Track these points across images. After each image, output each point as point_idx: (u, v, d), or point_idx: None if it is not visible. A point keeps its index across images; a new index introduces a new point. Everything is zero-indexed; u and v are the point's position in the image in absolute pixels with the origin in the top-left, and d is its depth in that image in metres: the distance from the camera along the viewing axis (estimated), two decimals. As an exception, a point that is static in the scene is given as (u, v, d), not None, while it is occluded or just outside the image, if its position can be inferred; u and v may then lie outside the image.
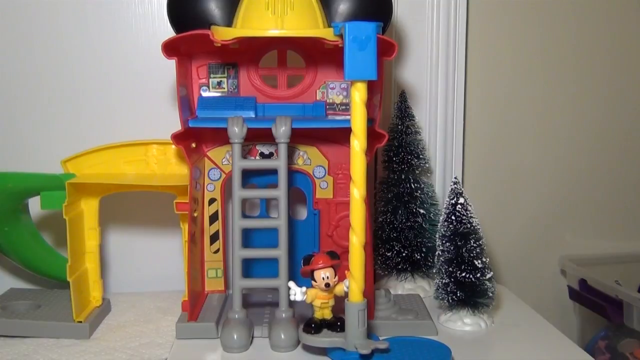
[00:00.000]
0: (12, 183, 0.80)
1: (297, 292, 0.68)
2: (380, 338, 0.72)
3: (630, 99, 1.09)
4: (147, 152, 0.84)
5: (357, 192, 0.64)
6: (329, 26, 0.72)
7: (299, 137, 0.81)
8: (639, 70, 1.08)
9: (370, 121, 0.69)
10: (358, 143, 0.64)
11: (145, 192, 0.83)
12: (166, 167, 0.85)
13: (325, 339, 0.68)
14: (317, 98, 0.83)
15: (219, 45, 0.72)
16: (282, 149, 0.74)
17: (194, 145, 0.80)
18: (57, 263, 0.86)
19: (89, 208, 0.83)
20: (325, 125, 0.80)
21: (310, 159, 0.84)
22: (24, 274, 0.94)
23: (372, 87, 0.65)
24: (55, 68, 0.91)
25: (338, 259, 0.69)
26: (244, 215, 0.77)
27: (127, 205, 0.94)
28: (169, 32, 0.76)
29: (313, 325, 0.69)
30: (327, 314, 0.69)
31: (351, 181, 0.64)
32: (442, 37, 0.98)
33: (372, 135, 0.67)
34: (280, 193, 0.74)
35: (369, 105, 0.65)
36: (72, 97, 0.92)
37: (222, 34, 0.72)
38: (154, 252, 0.95)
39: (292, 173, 0.84)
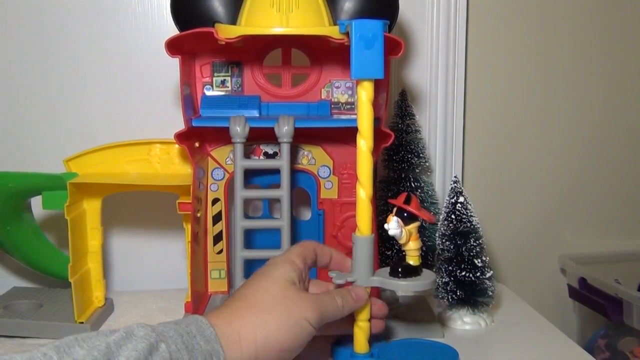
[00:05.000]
0: (13, 183, 0.80)
1: (398, 227, 0.63)
2: (387, 340, 0.72)
3: (630, 98, 1.09)
4: (150, 151, 0.83)
5: (364, 192, 0.63)
6: (335, 24, 0.72)
7: (303, 137, 0.81)
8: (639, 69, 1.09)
9: (376, 121, 0.68)
10: (365, 143, 0.63)
11: (148, 191, 0.83)
12: (169, 166, 0.84)
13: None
14: (322, 97, 0.82)
15: (223, 43, 0.71)
16: (285, 149, 0.74)
17: (197, 144, 0.80)
18: (60, 261, 0.85)
19: (91, 208, 0.82)
20: (330, 124, 0.79)
21: (315, 158, 0.83)
22: (27, 273, 0.94)
23: (378, 86, 0.64)
24: (57, 67, 0.91)
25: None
26: (246, 216, 0.76)
27: (129, 205, 0.93)
28: (170, 31, 0.75)
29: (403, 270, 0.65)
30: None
31: (357, 181, 0.63)
32: (442, 36, 0.98)
33: (378, 135, 0.67)
34: (283, 193, 0.74)
35: (375, 104, 0.64)
36: (74, 96, 0.92)
37: (226, 32, 0.71)
38: (156, 252, 0.95)
39: (296, 173, 0.83)
